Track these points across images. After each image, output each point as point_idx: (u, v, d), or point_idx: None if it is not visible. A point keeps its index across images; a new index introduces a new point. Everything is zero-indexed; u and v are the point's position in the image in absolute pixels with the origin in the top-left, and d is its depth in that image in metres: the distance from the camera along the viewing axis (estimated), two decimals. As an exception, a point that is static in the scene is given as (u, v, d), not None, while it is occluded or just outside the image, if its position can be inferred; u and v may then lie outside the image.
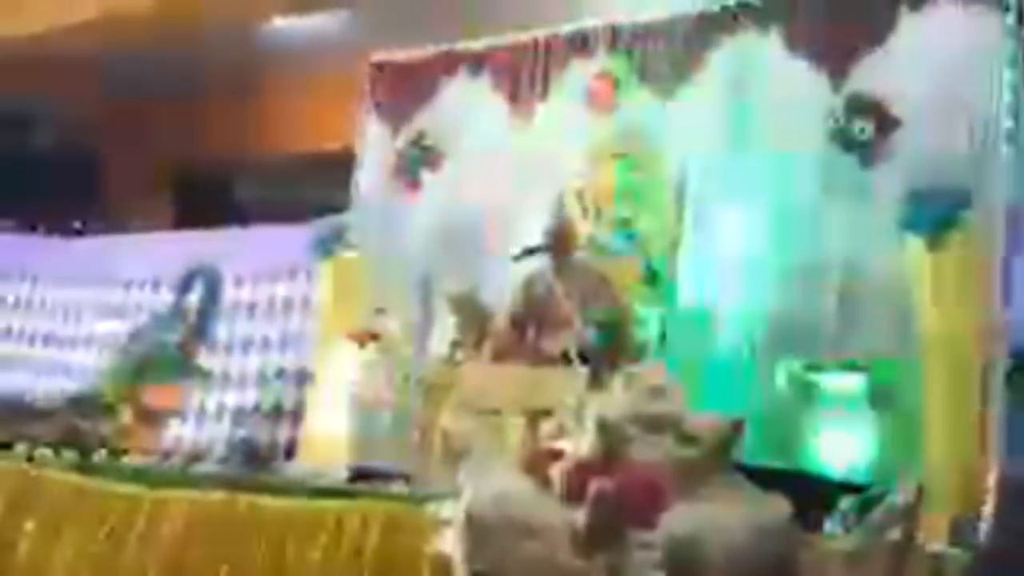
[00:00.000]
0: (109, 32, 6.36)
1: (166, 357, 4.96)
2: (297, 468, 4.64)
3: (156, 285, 6.04)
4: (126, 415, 4.70)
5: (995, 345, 3.64)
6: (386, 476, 3.98)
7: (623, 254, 4.54)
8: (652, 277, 4.36)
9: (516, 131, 5.08)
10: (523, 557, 2.48)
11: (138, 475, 4.02)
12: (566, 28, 5.06)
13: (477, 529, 2.54)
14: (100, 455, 4.23)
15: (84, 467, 4.08)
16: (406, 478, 3.80)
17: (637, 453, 2.76)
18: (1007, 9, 3.98)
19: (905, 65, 4.15)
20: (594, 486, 2.55)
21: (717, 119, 4.54)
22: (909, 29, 4.20)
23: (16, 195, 6.85)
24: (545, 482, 2.68)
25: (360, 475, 4.06)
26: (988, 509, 3.08)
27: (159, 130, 7.66)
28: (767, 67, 4.48)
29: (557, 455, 2.82)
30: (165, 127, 7.65)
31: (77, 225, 7.24)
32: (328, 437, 4.83)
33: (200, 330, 5.08)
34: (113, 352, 5.52)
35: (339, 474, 4.11)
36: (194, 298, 5.14)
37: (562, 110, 4.97)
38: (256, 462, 4.57)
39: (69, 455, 4.19)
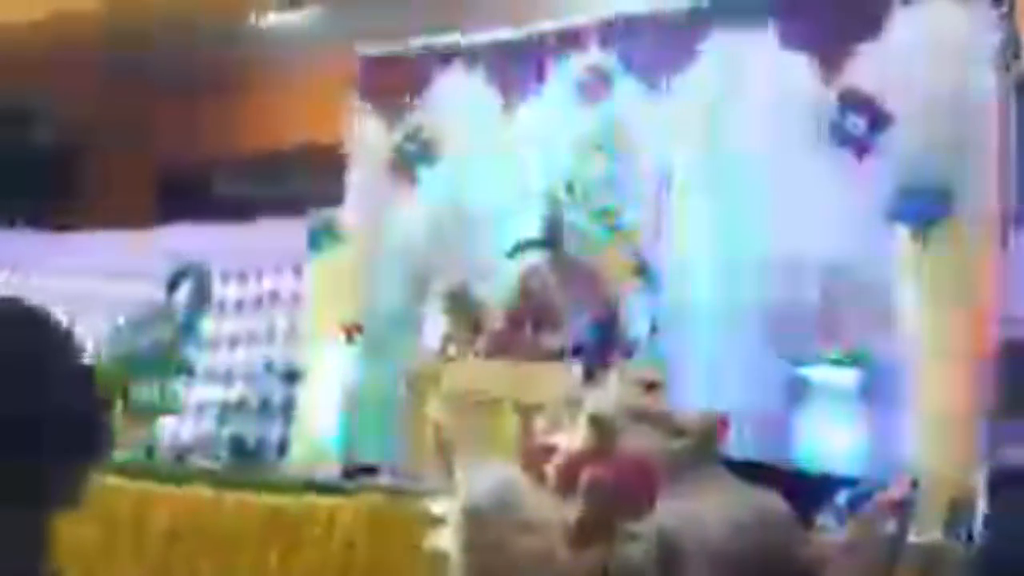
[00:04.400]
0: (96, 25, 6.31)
1: (154, 354, 4.92)
2: (289, 464, 4.62)
3: (144, 281, 5.99)
4: (115, 412, 4.66)
5: (985, 338, 3.66)
6: (379, 471, 3.96)
7: (608, 246, 4.53)
8: (642, 270, 4.35)
9: (508, 125, 5.06)
10: (519, 552, 2.47)
11: (127, 470, 3.99)
12: (558, 22, 5.05)
13: (473, 524, 2.53)
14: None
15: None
16: (399, 473, 3.79)
17: (629, 445, 2.75)
18: (999, 4, 4.00)
19: (898, 60, 4.15)
20: (587, 474, 2.54)
21: (709, 112, 4.53)
22: (903, 24, 4.20)
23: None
24: (541, 477, 2.67)
25: (353, 470, 4.04)
26: (981, 501, 3.08)
27: (146, 127, 7.61)
28: (760, 60, 4.48)
29: (552, 450, 2.81)
30: (153, 124, 7.61)
31: (61, 221, 7.18)
32: (319, 433, 4.81)
33: (188, 327, 5.04)
34: (101, 349, 5.47)
35: (331, 470, 4.09)
36: (182, 295, 5.10)
37: (555, 104, 4.95)
38: (245, 459, 4.55)
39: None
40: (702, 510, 2.63)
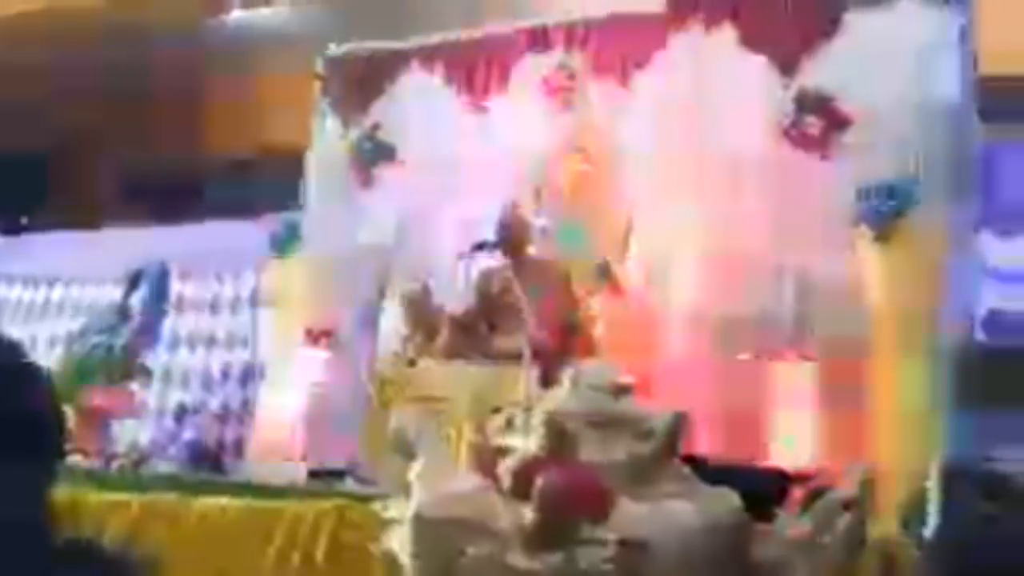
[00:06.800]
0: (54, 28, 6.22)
1: (111, 357, 4.85)
2: (250, 468, 4.58)
3: (102, 283, 5.91)
4: (70, 418, 4.58)
5: (943, 337, 3.70)
6: (339, 474, 3.94)
7: (575, 250, 4.53)
8: (605, 273, 4.36)
9: (470, 126, 5.04)
10: (471, 556, 2.46)
11: (88, 478, 3.95)
12: (522, 23, 5.04)
13: (425, 528, 2.51)
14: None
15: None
16: (359, 476, 3.77)
17: (587, 450, 2.75)
18: (956, 5, 4.04)
19: (856, 61, 4.19)
20: (540, 479, 2.53)
21: (670, 114, 4.54)
22: (860, 25, 4.24)
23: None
24: (494, 480, 2.66)
25: (314, 473, 4.02)
26: (936, 498, 3.11)
27: (109, 130, 7.53)
28: (720, 62, 4.49)
29: (505, 452, 2.80)
30: (116, 127, 7.52)
31: (21, 222, 7.07)
32: (280, 435, 4.78)
33: (146, 329, 4.97)
34: (58, 352, 5.40)
35: (292, 473, 4.06)
36: (140, 296, 5.03)
37: (517, 105, 4.95)
38: (205, 462, 4.50)
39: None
40: (664, 512, 2.63)
